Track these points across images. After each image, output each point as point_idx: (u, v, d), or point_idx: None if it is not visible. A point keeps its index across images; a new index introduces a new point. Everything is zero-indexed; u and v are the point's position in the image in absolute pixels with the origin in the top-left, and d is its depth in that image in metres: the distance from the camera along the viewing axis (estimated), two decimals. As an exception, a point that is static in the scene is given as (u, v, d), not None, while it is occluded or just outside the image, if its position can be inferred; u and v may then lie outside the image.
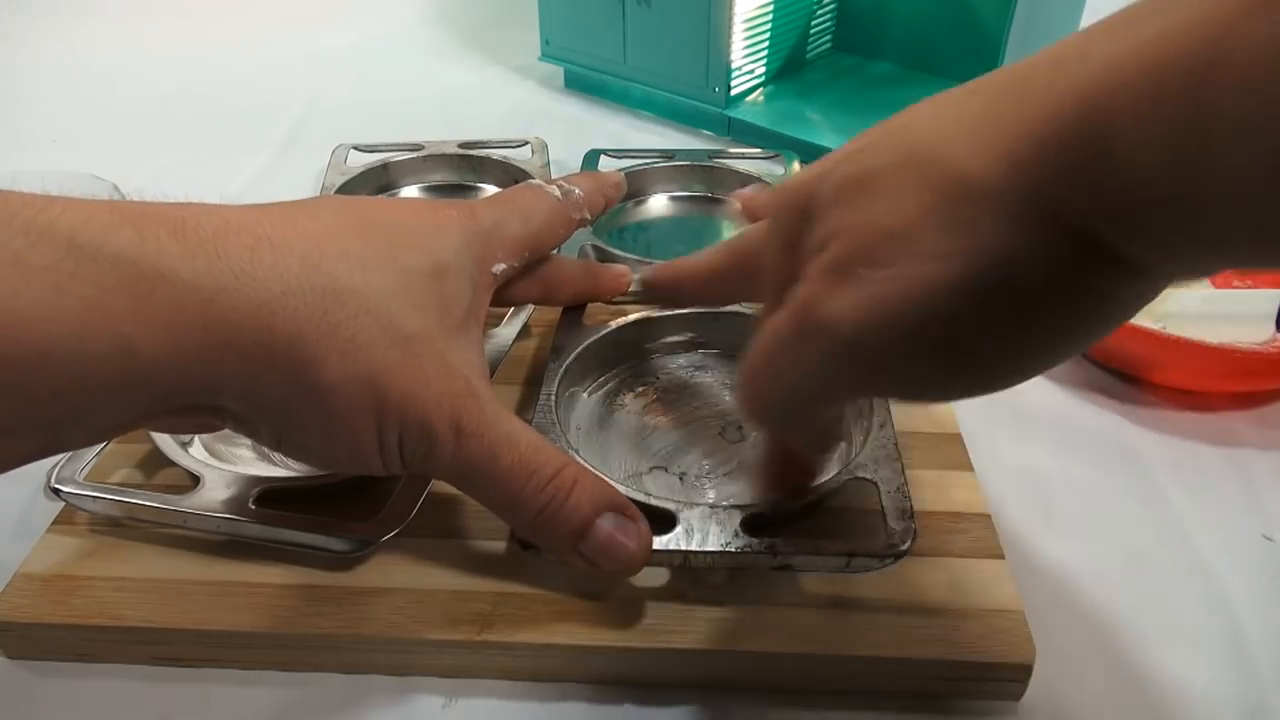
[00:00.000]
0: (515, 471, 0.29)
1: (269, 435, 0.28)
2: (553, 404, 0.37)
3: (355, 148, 0.61)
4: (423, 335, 0.28)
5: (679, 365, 0.43)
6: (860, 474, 0.33)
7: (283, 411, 0.27)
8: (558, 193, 0.36)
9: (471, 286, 0.31)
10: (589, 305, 0.42)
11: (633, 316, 0.42)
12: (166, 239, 0.24)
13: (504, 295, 0.35)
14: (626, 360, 0.42)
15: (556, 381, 0.38)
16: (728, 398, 0.41)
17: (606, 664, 0.32)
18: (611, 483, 0.32)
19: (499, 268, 0.33)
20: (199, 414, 0.26)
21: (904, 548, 0.30)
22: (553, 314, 0.42)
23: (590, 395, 0.41)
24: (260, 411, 0.27)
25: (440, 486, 0.33)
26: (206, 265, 0.24)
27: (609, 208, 0.40)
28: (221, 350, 0.24)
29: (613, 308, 0.42)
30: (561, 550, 0.30)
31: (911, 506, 0.31)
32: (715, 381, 0.42)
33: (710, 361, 0.43)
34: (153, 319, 0.23)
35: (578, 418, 0.40)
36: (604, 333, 0.41)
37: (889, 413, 0.36)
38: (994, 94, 0.21)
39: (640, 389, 0.42)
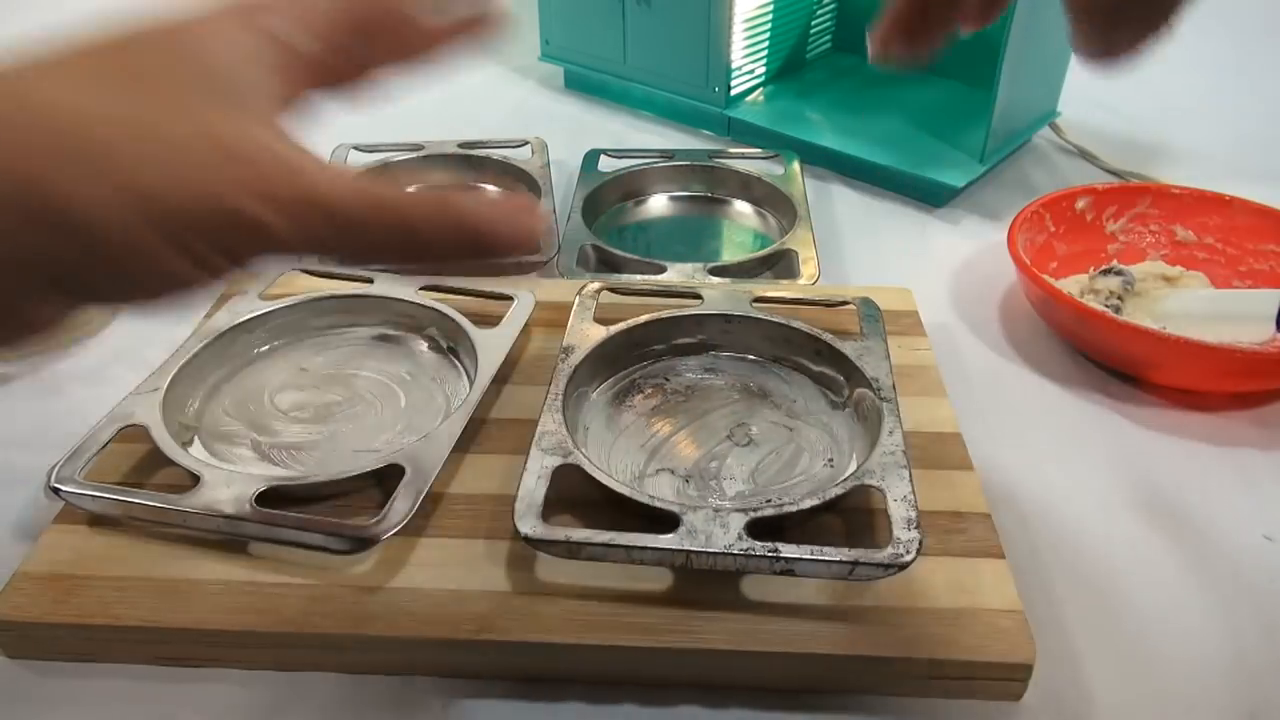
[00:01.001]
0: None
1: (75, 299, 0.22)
2: (560, 404, 0.37)
3: (355, 148, 0.61)
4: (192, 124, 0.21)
5: (688, 367, 0.43)
6: (867, 481, 0.33)
7: (55, 260, 0.21)
8: None
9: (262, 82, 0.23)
10: (601, 302, 0.42)
11: (644, 318, 0.42)
12: None
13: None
14: (636, 362, 0.43)
15: (565, 381, 0.38)
16: (736, 400, 0.41)
17: (606, 664, 0.32)
18: (616, 485, 0.32)
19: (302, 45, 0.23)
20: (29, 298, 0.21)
21: (909, 558, 0.30)
22: (554, 314, 0.42)
23: (599, 395, 0.41)
24: (50, 271, 0.21)
25: (440, 486, 0.33)
26: None
27: None
28: None
29: (621, 307, 0.42)
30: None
31: (919, 516, 0.31)
32: (724, 384, 0.42)
33: (720, 364, 0.43)
34: None
35: (585, 418, 0.40)
36: (614, 334, 0.41)
37: (898, 420, 0.36)
38: None
39: (649, 390, 0.42)
